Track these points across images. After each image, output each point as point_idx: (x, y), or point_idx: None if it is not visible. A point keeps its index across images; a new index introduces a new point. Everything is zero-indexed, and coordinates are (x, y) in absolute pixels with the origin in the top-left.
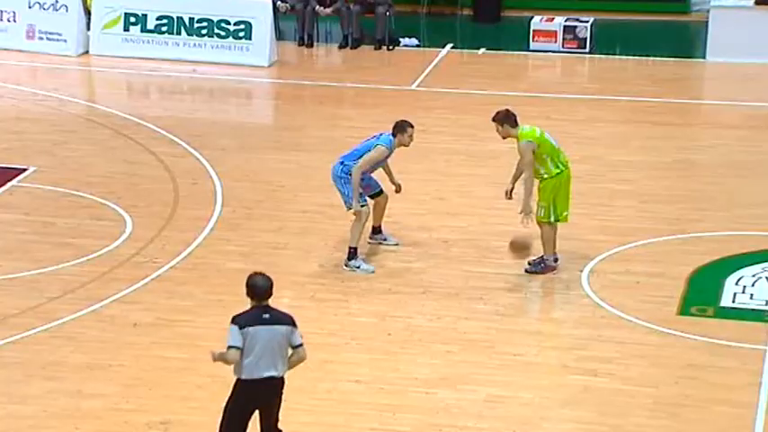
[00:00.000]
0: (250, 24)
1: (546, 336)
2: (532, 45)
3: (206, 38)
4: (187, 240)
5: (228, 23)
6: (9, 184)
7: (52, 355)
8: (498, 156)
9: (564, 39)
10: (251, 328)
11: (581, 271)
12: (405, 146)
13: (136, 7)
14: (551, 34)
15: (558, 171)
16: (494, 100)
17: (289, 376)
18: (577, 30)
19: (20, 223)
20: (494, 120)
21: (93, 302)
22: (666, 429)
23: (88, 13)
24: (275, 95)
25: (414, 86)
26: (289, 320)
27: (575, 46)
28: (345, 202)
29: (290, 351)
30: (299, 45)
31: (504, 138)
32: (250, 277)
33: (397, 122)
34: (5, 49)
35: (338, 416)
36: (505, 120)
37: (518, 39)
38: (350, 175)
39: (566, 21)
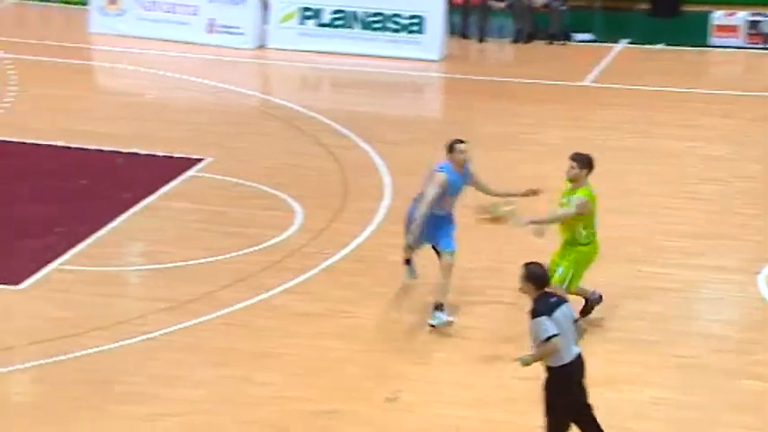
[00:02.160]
0: (423, 18)
1: (716, 338)
2: (712, 40)
3: (379, 32)
4: (355, 232)
5: (401, 17)
6: (185, 174)
7: (222, 342)
8: (673, 154)
9: (747, 33)
10: (555, 313)
11: (757, 273)
12: (460, 165)
13: (312, 1)
14: (733, 29)
15: (588, 242)
16: (671, 97)
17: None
18: (762, 24)
19: (194, 212)
20: (575, 159)
21: (262, 291)
22: None
23: (265, 6)
24: (446, 90)
25: (587, 82)
26: (565, 298)
27: (759, 41)
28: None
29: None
30: (469, 39)
31: (571, 180)
32: (527, 268)
33: (447, 144)
34: (187, 43)
35: (503, 413)
36: (588, 166)
37: (697, 34)
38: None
39: (750, 15)
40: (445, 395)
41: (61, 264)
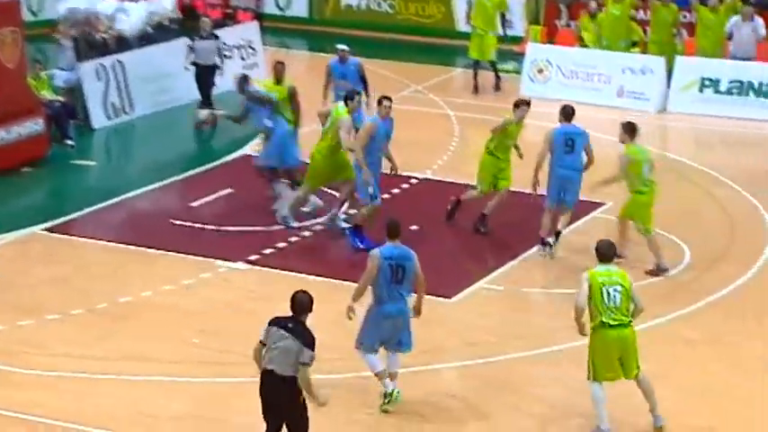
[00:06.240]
0: None
1: None
2: None
3: None
4: (739, 273)
5: None
6: (590, 215)
7: None
8: None
9: None
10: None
11: None
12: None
13: (712, 74)
14: None
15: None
16: None
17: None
18: None
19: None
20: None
21: (655, 317)
22: None
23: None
24: None
25: None
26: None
27: None
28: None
29: None
30: None
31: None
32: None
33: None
34: (597, 105)
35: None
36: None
37: None
38: None
39: None
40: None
41: (487, 282)
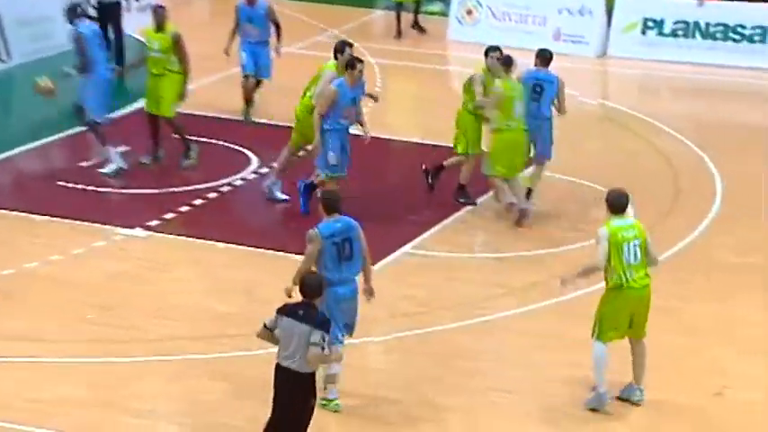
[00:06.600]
0: (766, 29)
1: None
2: None
3: (720, 41)
4: (683, 234)
5: (744, 28)
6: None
7: (553, 328)
8: None
9: None
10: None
11: None
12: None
13: (655, 14)
14: None
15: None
16: None
17: None
18: None
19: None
20: None
21: (592, 283)
22: None
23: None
24: None
25: None
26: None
27: None
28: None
29: None
30: None
31: None
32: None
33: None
34: (531, 50)
35: None
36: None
37: None
38: None
39: None
40: None
41: (413, 248)
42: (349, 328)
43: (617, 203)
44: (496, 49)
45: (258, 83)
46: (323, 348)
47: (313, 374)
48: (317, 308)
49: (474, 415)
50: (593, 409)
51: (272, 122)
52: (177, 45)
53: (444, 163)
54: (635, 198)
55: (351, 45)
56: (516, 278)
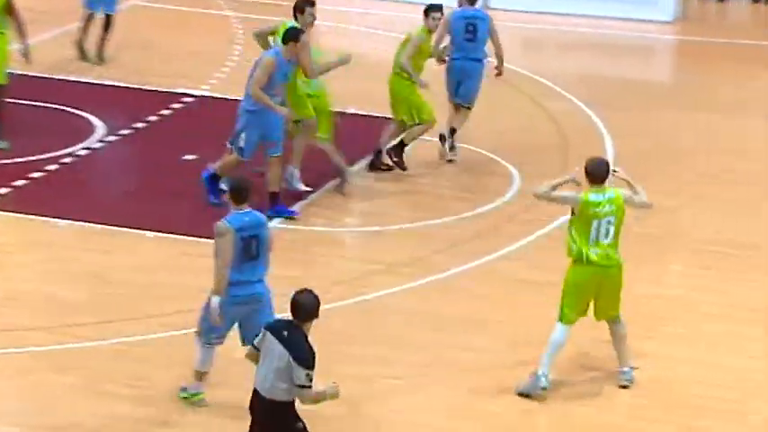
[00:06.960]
0: None
1: None
2: None
3: None
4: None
5: None
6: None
7: (434, 306)
8: None
9: None
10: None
11: None
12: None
13: None
14: None
15: None
16: None
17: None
18: None
19: (426, 176)
20: None
21: (478, 257)
22: None
23: None
24: (679, 53)
25: None
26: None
27: None
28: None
29: None
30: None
31: None
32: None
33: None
34: (401, 2)
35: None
36: None
37: None
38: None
39: None
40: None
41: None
42: (247, 339)
43: (597, 172)
44: (440, 8)
45: (108, 22)
46: (310, 387)
47: (290, 404)
48: (306, 335)
49: (356, 407)
50: (523, 394)
51: (119, 84)
52: (9, 7)
53: (403, 139)
54: (523, 165)
55: (302, 31)
56: (397, 253)
